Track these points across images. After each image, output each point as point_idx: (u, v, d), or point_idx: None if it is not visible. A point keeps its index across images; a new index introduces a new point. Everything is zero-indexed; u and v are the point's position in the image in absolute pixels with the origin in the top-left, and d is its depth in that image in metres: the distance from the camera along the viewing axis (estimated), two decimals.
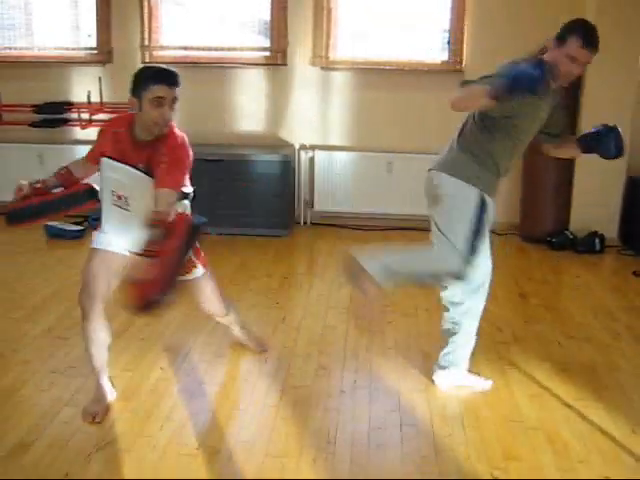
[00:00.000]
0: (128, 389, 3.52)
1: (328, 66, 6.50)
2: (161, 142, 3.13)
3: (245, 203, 6.24)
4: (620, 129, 3.31)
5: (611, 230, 6.23)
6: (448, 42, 6.46)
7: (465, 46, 6.37)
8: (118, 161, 3.14)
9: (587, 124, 6.12)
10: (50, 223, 6.05)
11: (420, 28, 6.65)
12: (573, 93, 6.01)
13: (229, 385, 3.62)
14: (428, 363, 3.87)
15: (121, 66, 6.61)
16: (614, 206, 6.25)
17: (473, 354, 3.69)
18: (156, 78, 3.04)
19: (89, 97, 6.57)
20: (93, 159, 3.30)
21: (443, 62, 6.48)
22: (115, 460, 2.94)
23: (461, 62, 6.38)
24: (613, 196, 6.23)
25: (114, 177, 3.17)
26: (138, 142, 3.16)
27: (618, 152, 3.30)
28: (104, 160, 3.17)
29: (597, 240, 6.04)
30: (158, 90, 3.02)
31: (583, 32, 3.12)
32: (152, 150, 3.14)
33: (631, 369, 3.90)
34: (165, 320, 4.38)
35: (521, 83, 2.84)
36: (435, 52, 6.58)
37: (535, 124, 3.31)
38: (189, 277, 3.45)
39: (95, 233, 3.35)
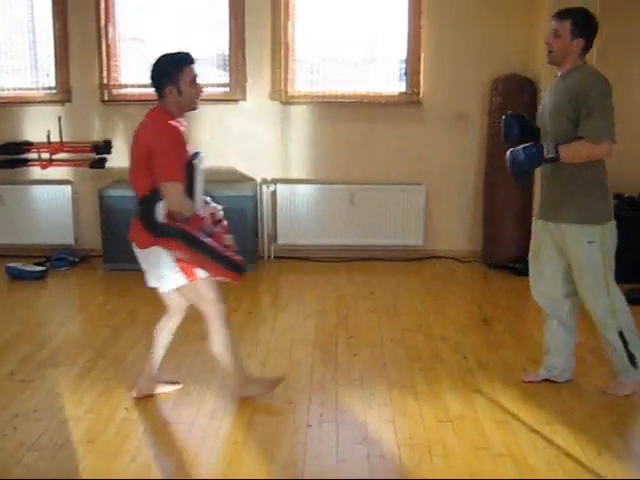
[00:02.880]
0: (93, 431, 3.48)
1: (287, 100, 6.54)
2: None
3: None
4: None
5: None
6: (405, 73, 6.54)
7: (422, 76, 6.45)
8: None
9: None
10: (10, 264, 5.98)
11: (377, 60, 6.73)
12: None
13: (195, 424, 3.58)
14: (394, 393, 3.88)
15: (80, 105, 6.60)
16: None
17: (438, 381, 3.72)
18: (190, 59, 3.42)
19: (49, 137, 6.54)
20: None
21: (401, 93, 6.55)
22: None
23: (418, 93, 6.46)
24: None
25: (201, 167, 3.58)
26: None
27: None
28: (200, 156, 3.58)
29: None
30: (193, 69, 3.43)
31: None
32: None
33: (596, 392, 3.94)
34: (129, 360, 4.34)
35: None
36: (393, 83, 6.65)
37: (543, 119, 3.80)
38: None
39: None
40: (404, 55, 6.51)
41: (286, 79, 6.51)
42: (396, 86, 6.63)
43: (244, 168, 6.69)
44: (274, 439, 3.42)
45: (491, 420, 3.59)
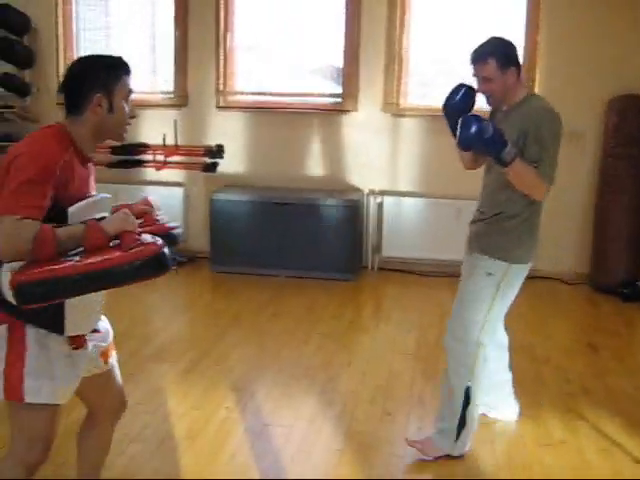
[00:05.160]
0: (194, 428, 3.56)
1: (398, 112, 6.55)
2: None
3: (313, 246, 6.28)
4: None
5: None
6: None
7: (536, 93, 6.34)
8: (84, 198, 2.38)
9: None
10: None
11: None
12: None
13: (295, 426, 3.61)
14: (494, 413, 3.82)
15: (196, 110, 6.78)
16: None
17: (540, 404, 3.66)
18: (128, 68, 2.43)
19: (164, 139, 6.73)
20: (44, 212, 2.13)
21: None
22: None
23: None
24: None
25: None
26: (84, 160, 2.41)
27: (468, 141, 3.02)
28: (74, 209, 2.27)
29: None
30: (129, 81, 2.41)
31: None
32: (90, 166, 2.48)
33: None
34: (233, 359, 4.42)
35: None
36: None
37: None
38: (108, 366, 2.67)
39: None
40: None
41: (398, 91, 6.53)
42: None
43: (352, 178, 6.72)
44: (371, 449, 3.42)
45: (594, 448, 3.49)
